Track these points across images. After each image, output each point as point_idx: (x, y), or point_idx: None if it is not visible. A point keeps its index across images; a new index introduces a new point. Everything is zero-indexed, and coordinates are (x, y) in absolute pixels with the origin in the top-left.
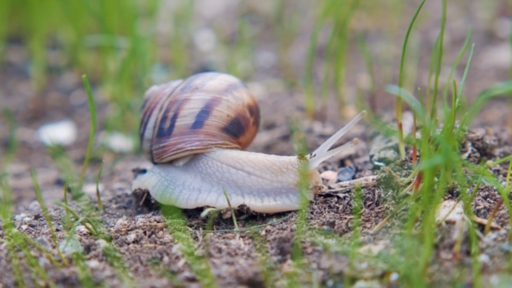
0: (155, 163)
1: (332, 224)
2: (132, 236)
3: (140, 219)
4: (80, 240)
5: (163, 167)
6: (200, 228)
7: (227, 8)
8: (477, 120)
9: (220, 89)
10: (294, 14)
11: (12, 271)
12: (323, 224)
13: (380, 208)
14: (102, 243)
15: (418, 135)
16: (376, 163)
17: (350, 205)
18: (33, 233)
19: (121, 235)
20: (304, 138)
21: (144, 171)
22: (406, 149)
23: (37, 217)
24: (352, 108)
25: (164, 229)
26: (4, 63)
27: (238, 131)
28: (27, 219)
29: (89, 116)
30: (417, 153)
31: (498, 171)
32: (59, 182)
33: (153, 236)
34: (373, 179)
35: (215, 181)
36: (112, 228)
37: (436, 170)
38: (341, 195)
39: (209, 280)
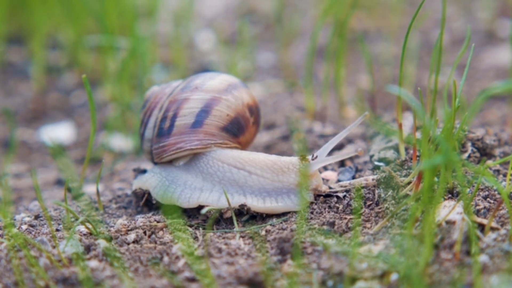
0: (155, 163)
1: (332, 224)
2: (132, 236)
3: (140, 219)
4: (80, 240)
5: (164, 167)
6: (200, 228)
7: (227, 8)
8: (477, 120)
9: (220, 89)
10: (294, 14)
11: (12, 271)
12: (323, 224)
13: (380, 208)
14: (102, 243)
15: (418, 135)
16: (376, 163)
17: (350, 205)
18: (33, 233)
19: (121, 235)
20: (304, 138)
21: (144, 171)
22: (406, 149)
23: (37, 217)
24: (352, 108)
25: (164, 229)
26: (4, 63)
27: (238, 130)
28: (27, 219)
29: (89, 116)
30: (417, 153)
31: (498, 171)
32: (59, 182)
33: (153, 236)
34: (373, 179)
35: (216, 181)
36: (112, 228)
37: (436, 170)
38: (341, 195)
39: (209, 280)
